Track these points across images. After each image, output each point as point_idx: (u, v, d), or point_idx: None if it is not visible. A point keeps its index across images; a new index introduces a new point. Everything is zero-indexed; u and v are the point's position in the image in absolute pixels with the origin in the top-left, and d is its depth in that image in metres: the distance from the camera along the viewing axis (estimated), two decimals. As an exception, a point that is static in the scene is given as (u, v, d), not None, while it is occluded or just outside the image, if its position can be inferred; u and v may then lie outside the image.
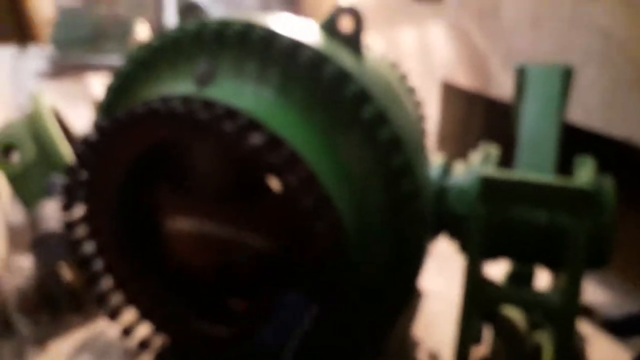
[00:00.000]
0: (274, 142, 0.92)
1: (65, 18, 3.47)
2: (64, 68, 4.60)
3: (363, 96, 1.00)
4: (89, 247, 1.17)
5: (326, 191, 0.94)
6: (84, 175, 1.08)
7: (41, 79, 4.55)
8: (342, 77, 1.00)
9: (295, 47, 1.02)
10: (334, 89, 1.00)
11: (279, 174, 0.91)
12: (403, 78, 1.37)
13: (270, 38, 1.03)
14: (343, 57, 1.04)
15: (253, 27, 1.04)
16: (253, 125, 0.93)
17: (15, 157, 1.95)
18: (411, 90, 1.37)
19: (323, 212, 0.92)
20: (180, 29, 1.14)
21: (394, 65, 1.38)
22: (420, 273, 1.15)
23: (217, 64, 1.06)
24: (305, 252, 0.96)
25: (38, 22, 2.27)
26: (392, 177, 1.02)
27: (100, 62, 4.62)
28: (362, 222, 1.02)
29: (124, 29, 4.44)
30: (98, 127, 1.01)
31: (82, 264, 1.17)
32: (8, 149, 1.97)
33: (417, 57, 2.45)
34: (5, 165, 1.95)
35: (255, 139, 0.90)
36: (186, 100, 0.96)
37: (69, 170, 1.09)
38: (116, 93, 1.23)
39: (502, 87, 2.02)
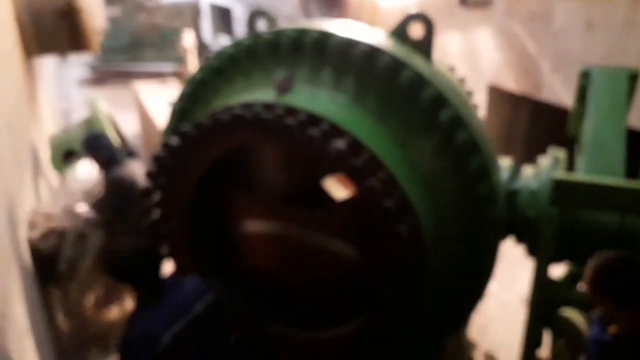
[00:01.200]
0: (356, 146, 0.95)
1: (107, 27, 3.56)
2: (104, 75, 4.72)
3: (440, 100, 1.02)
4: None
5: (406, 195, 0.95)
6: (162, 179, 1.11)
7: (83, 86, 4.68)
8: (419, 81, 1.02)
9: (372, 54, 1.04)
10: (411, 93, 1.02)
11: (361, 177, 0.93)
12: (462, 82, 1.38)
13: (347, 45, 1.05)
14: (417, 62, 1.06)
15: (329, 35, 1.07)
16: (335, 130, 0.95)
17: (75, 161, 2.02)
18: (470, 94, 1.38)
19: (404, 215, 0.94)
20: (254, 38, 1.17)
21: (452, 70, 1.39)
22: (492, 276, 1.16)
23: (294, 72, 1.08)
24: (386, 256, 0.98)
25: (90, 31, 2.33)
26: (468, 181, 1.03)
27: (139, 69, 4.73)
28: (438, 227, 1.03)
29: (162, 38, 4.54)
30: (180, 132, 1.04)
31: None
32: (68, 153, 2.04)
33: (464, 60, 2.45)
34: (64, 169, 2.02)
35: (339, 143, 0.92)
36: (269, 106, 0.99)
37: (149, 175, 1.12)
38: (190, 99, 1.27)
39: (552, 90, 2.02)
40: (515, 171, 1.25)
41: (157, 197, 1.14)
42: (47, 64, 3.50)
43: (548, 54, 2.06)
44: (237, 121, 0.99)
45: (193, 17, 4.59)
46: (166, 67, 4.49)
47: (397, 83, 1.03)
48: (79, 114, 3.83)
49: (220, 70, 1.23)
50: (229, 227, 1.24)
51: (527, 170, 1.26)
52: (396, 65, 1.03)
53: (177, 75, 3.11)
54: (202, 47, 3.89)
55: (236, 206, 1.22)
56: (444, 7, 2.53)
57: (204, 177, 1.12)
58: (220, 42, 4.80)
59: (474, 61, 2.50)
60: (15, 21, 2.19)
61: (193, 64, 3.07)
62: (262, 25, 1.32)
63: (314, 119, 0.97)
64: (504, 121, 2.43)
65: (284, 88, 1.06)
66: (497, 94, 2.43)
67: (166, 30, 4.55)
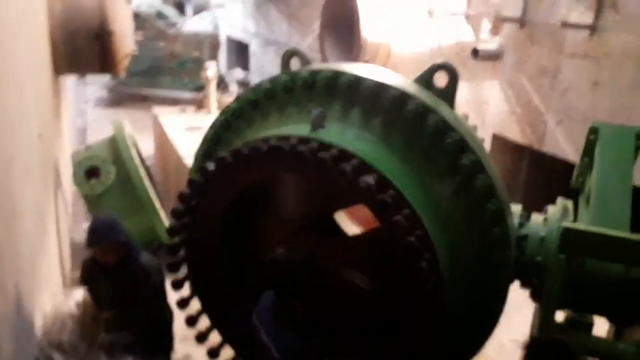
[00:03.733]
0: (383, 182, 1.01)
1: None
2: (120, 97, 4.84)
3: (463, 145, 1.09)
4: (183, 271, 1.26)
5: (427, 232, 1.02)
6: (194, 202, 1.17)
7: (99, 106, 4.79)
8: (445, 127, 1.10)
9: (401, 98, 1.12)
10: (436, 137, 1.10)
11: (387, 212, 0.99)
12: (474, 129, 1.46)
13: (378, 89, 1.14)
14: (442, 108, 1.14)
15: (362, 78, 1.16)
16: (364, 166, 1.02)
17: (96, 179, 2.09)
18: (482, 141, 1.46)
19: (425, 252, 1.00)
20: (291, 75, 1.25)
21: (467, 117, 1.48)
22: (500, 317, 1.21)
23: (327, 110, 1.16)
24: (406, 290, 1.03)
25: (120, 55, 2.43)
26: (485, 223, 1.10)
27: (154, 94, 4.85)
28: (453, 265, 1.09)
29: (180, 66, 4.67)
30: (217, 159, 1.11)
31: (175, 285, 1.25)
32: (89, 170, 2.10)
33: (472, 109, 2.55)
34: (85, 185, 2.08)
35: (368, 179, 0.99)
36: (304, 140, 1.06)
37: (181, 196, 1.18)
38: (223, 128, 1.34)
39: (555, 143, 2.11)
40: (525, 217, 1.32)
41: (187, 218, 1.20)
42: (68, 82, 3.61)
43: (553, 109, 2.16)
44: (274, 152, 1.06)
45: (211, 48, 4.73)
46: (181, 94, 4.60)
47: (424, 127, 1.10)
48: (94, 132, 3.93)
49: (255, 103, 1.31)
50: (254, 251, 1.30)
51: (537, 218, 1.32)
52: (423, 110, 1.11)
53: (196, 103, 3.21)
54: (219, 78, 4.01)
55: (261, 232, 1.28)
56: (456, 57, 2.65)
57: (235, 204, 1.19)
58: (235, 74, 4.95)
59: (481, 110, 2.60)
60: (49, 39, 2.29)
61: (213, 94, 3.17)
62: (296, 64, 1.42)
63: (345, 155, 1.04)
64: (506, 170, 2.52)
65: (317, 124, 1.14)
66: (500, 144, 2.52)
67: (184, 58, 4.68)
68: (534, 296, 1.30)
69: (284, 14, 4.73)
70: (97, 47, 2.37)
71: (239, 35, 5.56)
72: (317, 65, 1.29)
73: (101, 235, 1.46)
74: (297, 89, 1.24)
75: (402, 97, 1.13)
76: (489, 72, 2.52)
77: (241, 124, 1.33)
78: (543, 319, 1.23)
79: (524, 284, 1.33)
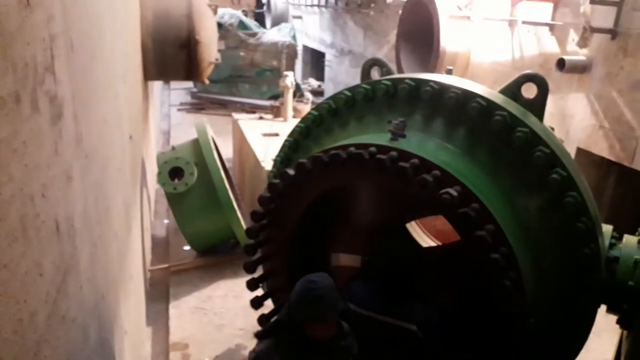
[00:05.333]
0: (466, 195, 0.98)
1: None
2: (201, 102, 5.03)
3: (553, 160, 1.04)
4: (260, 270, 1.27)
5: (512, 249, 0.98)
6: (274, 204, 1.19)
7: (181, 110, 5.00)
8: (534, 140, 1.05)
9: (487, 109, 1.09)
10: (524, 151, 1.05)
11: (470, 228, 0.96)
12: (562, 142, 1.39)
13: (463, 99, 1.11)
14: (531, 121, 1.10)
15: (446, 88, 1.13)
16: (447, 177, 1.00)
17: (179, 179, 2.19)
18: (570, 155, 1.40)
19: (509, 270, 0.96)
20: (372, 85, 1.25)
21: (553, 130, 1.41)
22: (584, 344, 1.14)
23: (408, 119, 1.15)
24: (485, 308, 1.00)
25: (205, 63, 2.54)
26: (574, 243, 1.04)
27: (234, 101, 5.01)
28: (538, 285, 1.04)
29: (258, 74, 4.81)
30: (298, 164, 1.12)
31: (250, 286, 1.27)
32: (173, 170, 2.21)
33: (555, 122, 2.43)
34: (169, 185, 2.18)
35: (451, 191, 0.96)
36: (384, 149, 1.05)
37: (261, 200, 1.20)
38: (303, 135, 1.36)
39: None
40: (617, 239, 1.24)
41: (265, 219, 1.22)
42: (155, 87, 3.80)
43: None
44: (353, 159, 1.06)
45: (289, 58, 4.82)
46: (259, 102, 4.72)
47: (511, 139, 1.06)
48: (177, 134, 4.11)
49: (335, 112, 1.32)
50: (324, 257, 1.30)
51: (630, 239, 1.24)
52: (511, 122, 1.07)
53: (273, 110, 3.28)
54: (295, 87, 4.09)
55: (333, 238, 1.28)
56: (539, 69, 2.53)
57: (311, 208, 1.20)
58: (310, 84, 5.01)
59: (565, 124, 2.47)
60: (140, 47, 2.43)
61: (289, 102, 3.23)
62: (376, 73, 1.41)
63: (427, 165, 1.02)
64: (590, 186, 2.38)
65: (398, 133, 1.13)
66: (585, 159, 2.39)
67: (263, 67, 4.80)
68: (624, 324, 1.21)
69: (360, 25, 4.75)
70: (183, 55, 2.48)
71: (315, 45, 5.64)
72: (398, 74, 1.28)
73: (327, 306, 1.07)
74: (377, 98, 1.24)
75: (488, 108, 1.09)
76: (574, 85, 2.40)
77: (320, 132, 1.34)
78: (632, 346, 1.15)
79: (611, 310, 1.25)
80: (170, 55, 2.45)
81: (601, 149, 2.23)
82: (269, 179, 1.37)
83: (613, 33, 2.19)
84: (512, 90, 1.20)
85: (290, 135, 1.39)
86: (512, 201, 1.06)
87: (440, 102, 1.14)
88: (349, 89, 1.29)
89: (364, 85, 1.27)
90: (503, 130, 1.07)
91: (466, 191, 0.99)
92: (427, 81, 1.17)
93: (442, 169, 1.01)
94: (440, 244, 1.18)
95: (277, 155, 1.42)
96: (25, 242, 0.65)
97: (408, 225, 1.17)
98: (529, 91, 1.21)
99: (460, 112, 1.11)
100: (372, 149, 1.06)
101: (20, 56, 0.69)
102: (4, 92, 0.62)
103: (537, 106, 1.19)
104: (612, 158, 2.15)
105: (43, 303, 0.70)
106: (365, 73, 1.39)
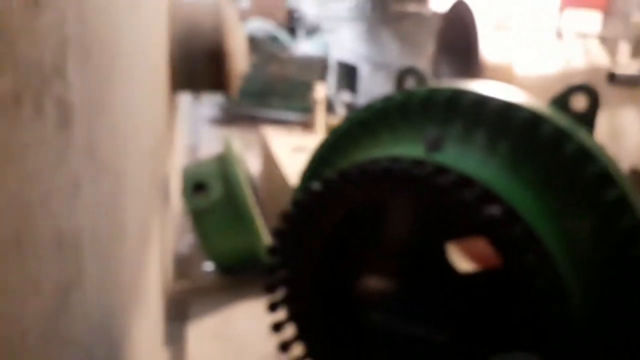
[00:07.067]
0: (511, 215, 0.88)
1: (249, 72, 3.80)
2: (232, 117, 5.02)
3: (607, 178, 0.94)
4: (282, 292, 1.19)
5: (562, 277, 0.87)
6: (297, 222, 1.11)
7: (212, 125, 5.00)
8: (585, 156, 0.95)
9: (534, 121, 0.99)
10: (575, 167, 0.95)
11: (514, 250, 0.86)
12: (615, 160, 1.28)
13: (507, 110, 1.01)
14: (582, 135, 0.99)
15: (488, 98, 1.04)
16: (489, 195, 0.90)
17: (203, 195, 2.12)
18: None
19: (558, 300, 0.86)
20: (407, 94, 1.16)
21: (603, 147, 1.30)
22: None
23: (446, 131, 1.06)
24: (530, 343, 0.89)
25: (234, 75, 2.50)
26: (631, 270, 0.93)
27: (265, 115, 4.98)
28: (588, 320, 0.93)
29: (290, 88, 4.77)
30: (324, 179, 1.03)
31: (271, 308, 1.18)
32: (197, 185, 2.14)
33: (606, 140, 2.30)
34: (192, 200, 2.12)
35: (494, 209, 0.87)
36: (419, 163, 0.96)
37: (284, 216, 1.12)
38: (330, 148, 1.27)
39: None
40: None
41: (290, 239, 1.14)
42: (183, 100, 3.80)
43: None
44: (384, 174, 0.97)
45: (321, 71, 4.78)
46: (292, 116, 4.67)
47: (561, 154, 0.96)
48: (206, 150, 4.08)
49: (365, 123, 1.22)
50: (348, 284, 1.21)
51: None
52: (561, 135, 0.97)
53: (304, 125, 3.22)
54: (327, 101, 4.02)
55: (357, 263, 1.19)
56: (589, 82, 2.41)
57: (335, 227, 1.11)
58: (343, 98, 4.96)
59: (616, 142, 2.34)
60: (168, 57, 2.40)
61: (321, 116, 3.17)
62: (411, 83, 1.32)
63: (466, 181, 0.93)
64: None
65: (434, 146, 1.03)
66: (639, 179, 2.24)
67: (295, 81, 4.76)
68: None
69: (396, 36, 4.67)
70: (212, 66, 2.44)
71: (349, 58, 5.58)
72: (435, 83, 1.19)
73: None
74: (412, 108, 1.14)
75: (535, 119, 0.99)
76: (625, 100, 2.26)
77: (349, 145, 1.25)
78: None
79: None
80: (198, 66, 2.41)
81: (653, 167, 2.09)
82: (294, 196, 1.29)
83: (665, 44, 2.07)
84: (561, 102, 1.09)
85: (318, 148, 1.31)
86: (560, 223, 0.95)
87: (482, 112, 1.03)
88: (382, 99, 1.20)
89: (398, 95, 1.18)
90: (551, 144, 0.97)
91: (510, 210, 0.89)
92: (467, 89, 1.07)
93: (484, 185, 0.92)
94: (478, 268, 1.08)
95: (304, 170, 1.34)
96: (19, 254, 0.59)
97: (445, 247, 1.07)
98: (579, 103, 1.11)
99: (504, 123, 1.01)
100: (406, 162, 0.97)
101: (23, 56, 0.64)
102: (1, 92, 0.57)
103: (588, 119, 1.07)
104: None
105: (39, 321, 0.65)
106: (400, 83, 1.31)
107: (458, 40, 3.13)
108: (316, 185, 1.07)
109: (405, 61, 4.53)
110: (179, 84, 2.46)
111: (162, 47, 2.13)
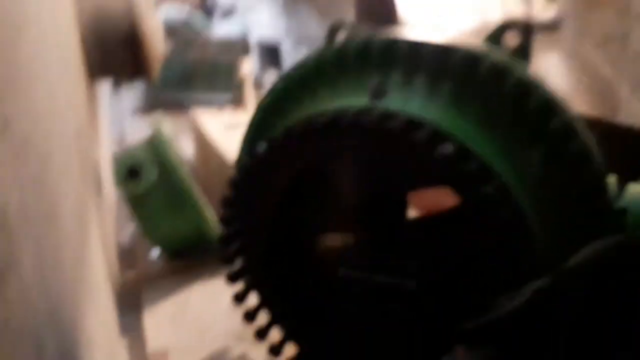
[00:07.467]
0: (464, 151, 0.88)
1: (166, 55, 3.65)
2: (156, 104, 4.80)
3: (551, 106, 0.95)
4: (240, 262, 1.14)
5: (520, 206, 0.88)
6: (246, 188, 1.06)
7: (135, 115, 4.77)
8: (528, 86, 0.95)
9: (472, 59, 0.98)
10: (517, 100, 0.95)
11: (471, 186, 0.86)
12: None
13: (444, 51, 1.00)
14: (521, 68, 1.00)
15: (424, 41, 1.02)
16: (439, 135, 0.89)
17: (138, 180, 2.01)
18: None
19: (520, 229, 0.86)
20: (342, 46, 1.13)
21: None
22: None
23: (387, 79, 1.03)
24: (493, 274, 0.90)
25: (153, 57, 2.37)
26: (582, 196, 0.95)
27: (189, 100, 4.80)
28: (549, 247, 0.94)
29: (213, 71, 4.62)
30: (269, 139, 0.99)
31: (231, 278, 1.14)
32: (130, 170, 2.03)
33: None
34: (127, 186, 2.01)
35: (447, 148, 0.86)
36: (365, 111, 0.93)
37: (232, 183, 1.07)
38: (268, 111, 1.22)
39: (631, 114, 1.92)
40: (620, 189, 1.16)
41: (241, 206, 1.09)
42: (103, 91, 3.59)
43: (626, 77, 1.98)
44: (332, 125, 0.93)
45: (243, 51, 4.67)
46: (217, 99, 4.55)
47: (502, 89, 0.96)
48: (133, 141, 3.87)
49: (302, 80, 1.18)
50: (306, 244, 1.18)
51: (635, 188, 1.16)
52: (500, 71, 0.97)
53: (234, 103, 3.13)
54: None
55: (313, 222, 1.16)
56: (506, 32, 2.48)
57: (288, 189, 1.07)
58: (269, 76, 4.88)
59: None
60: (80, 42, 2.24)
61: (250, 92, 3.09)
62: (342, 37, 1.29)
63: (414, 123, 0.91)
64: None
65: (378, 94, 1.01)
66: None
67: (217, 63, 4.63)
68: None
69: (314, 9, 4.64)
70: (128, 50, 2.30)
71: (270, 36, 5.49)
72: (368, 33, 1.16)
73: None
74: (349, 60, 1.10)
75: (473, 57, 0.98)
76: (545, 45, 2.35)
77: (289, 106, 1.20)
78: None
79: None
80: (114, 51, 2.25)
81: (582, 108, 2.18)
82: (238, 162, 1.23)
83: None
84: (495, 39, 1.10)
85: (255, 113, 1.25)
86: (511, 155, 0.96)
87: (420, 56, 1.02)
88: (316, 54, 1.16)
89: (332, 48, 1.15)
90: (491, 80, 0.97)
91: (462, 147, 0.89)
92: (402, 37, 1.05)
93: (433, 126, 0.91)
94: (434, 211, 1.07)
95: (244, 137, 1.28)
96: None
97: (401, 197, 1.05)
98: (512, 39, 1.12)
99: (443, 64, 1.00)
100: (352, 112, 0.94)
101: None
102: None
103: (523, 53, 1.08)
104: (593, 115, 2.11)
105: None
106: (331, 37, 1.27)
107: (377, 5, 3.14)
108: (261, 147, 1.02)
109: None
110: (94, 71, 2.31)
111: (72, 32, 1.98)
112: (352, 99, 1.04)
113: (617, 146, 2.00)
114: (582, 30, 2.18)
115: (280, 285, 1.10)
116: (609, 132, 2.12)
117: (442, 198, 0.98)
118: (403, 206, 1.04)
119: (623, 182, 1.11)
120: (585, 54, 2.16)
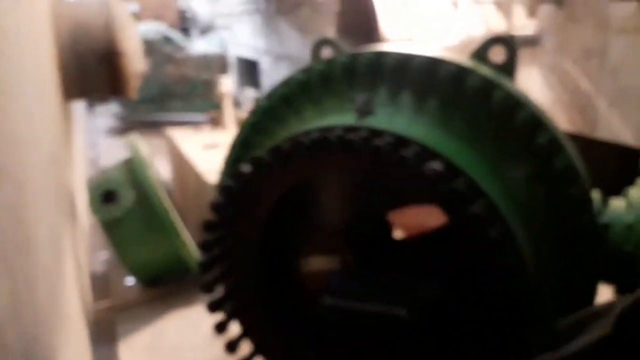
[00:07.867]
0: (452, 169, 0.86)
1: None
2: (131, 125, 4.73)
3: (537, 123, 0.94)
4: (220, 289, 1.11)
5: (508, 224, 0.86)
6: (229, 210, 1.03)
7: (110, 136, 4.68)
8: (513, 102, 0.95)
9: (458, 74, 0.98)
10: (504, 115, 0.95)
11: (460, 204, 0.84)
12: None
13: (430, 66, 0.99)
14: (507, 84, 1.00)
15: (411, 56, 1.01)
16: (427, 152, 0.88)
17: (114, 204, 1.93)
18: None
19: (508, 247, 0.85)
20: (327, 63, 1.12)
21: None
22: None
23: (373, 95, 1.02)
24: (485, 293, 0.88)
25: (131, 76, 2.33)
26: (569, 212, 0.94)
27: (167, 119, 4.74)
28: (538, 264, 0.93)
29: (190, 88, 4.58)
30: (253, 158, 0.96)
31: (212, 307, 1.10)
32: (106, 194, 1.95)
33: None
34: (103, 211, 1.93)
35: (435, 165, 0.84)
36: (352, 129, 0.92)
37: (214, 206, 1.04)
38: (253, 129, 1.20)
39: (609, 128, 1.95)
40: (603, 204, 1.16)
41: (221, 230, 1.05)
42: (77, 111, 3.51)
43: (604, 91, 2.00)
44: (319, 143, 0.92)
45: (220, 68, 4.64)
46: (195, 117, 4.50)
47: (489, 105, 0.95)
48: (107, 162, 3.79)
49: (287, 99, 1.17)
50: (292, 267, 1.15)
51: (617, 204, 1.16)
52: (487, 86, 0.96)
53: (212, 121, 3.08)
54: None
55: (301, 243, 1.13)
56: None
57: (275, 210, 1.04)
58: (246, 94, 4.85)
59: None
60: (57, 62, 2.18)
61: (229, 110, 3.05)
62: (327, 54, 1.27)
63: (402, 141, 0.90)
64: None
65: (365, 111, 0.99)
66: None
67: (194, 81, 4.58)
68: (621, 290, 1.13)
69: (293, 26, 4.63)
70: (106, 68, 2.25)
71: (248, 53, 5.47)
72: (355, 49, 1.15)
73: None
74: (335, 77, 1.10)
75: (460, 72, 0.98)
76: (526, 59, 2.37)
77: (274, 124, 1.18)
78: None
79: (606, 280, 1.17)
80: (91, 69, 2.20)
81: (561, 121, 2.20)
82: (220, 183, 1.20)
83: (558, 1, 2.17)
84: (480, 55, 1.10)
85: (240, 132, 1.23)
86: (498, 171, 0.95)
87: (406, 72, 1.01)
88: (302, 71, 1.15)
89: (318, 65, 1.13)
90: (479, 95, 0.97)
91: (450, 164, 0.87)
92: (388, 51, 1.04)
93: (420, 144, 0.89)
94: (418, 231, 1.06)
95: (227, 157, 1.25)
96: None
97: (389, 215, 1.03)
98: (497, 55, 1.11)
99: (430, 80, 0.99)
100: (339, 129, 0.93)
101: None
102: None
103: (508, 69, 1.08)
104: (573, 129, 2.13)
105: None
106: (315, 54, 1.25)
107: (358, 21, 3.14)
108: (246, 167, 0.99)
109: (307, 50, 4.49)
110: (71, 91, 2.24)
111: (49, 51, 1.93)
112: (338, 117, 1.02)
113: (597, 160, 2.01)
114: (562, 46, 2.21)
115: (264, 314, 1.07)
116: (588, 146, 2.15)
117: (427, 217, 0.97)
118: (390, 226, 1.02)
119: (604, 197, 1.11)
120: (564, 69, 2.19)
